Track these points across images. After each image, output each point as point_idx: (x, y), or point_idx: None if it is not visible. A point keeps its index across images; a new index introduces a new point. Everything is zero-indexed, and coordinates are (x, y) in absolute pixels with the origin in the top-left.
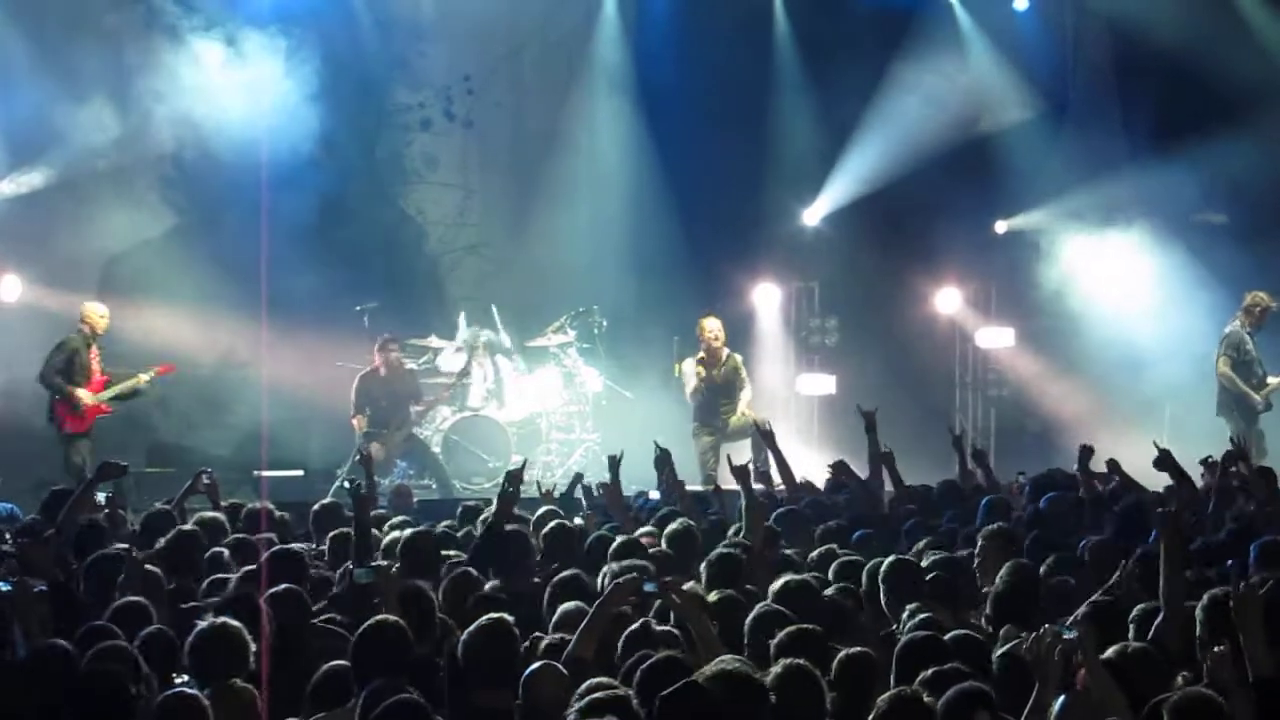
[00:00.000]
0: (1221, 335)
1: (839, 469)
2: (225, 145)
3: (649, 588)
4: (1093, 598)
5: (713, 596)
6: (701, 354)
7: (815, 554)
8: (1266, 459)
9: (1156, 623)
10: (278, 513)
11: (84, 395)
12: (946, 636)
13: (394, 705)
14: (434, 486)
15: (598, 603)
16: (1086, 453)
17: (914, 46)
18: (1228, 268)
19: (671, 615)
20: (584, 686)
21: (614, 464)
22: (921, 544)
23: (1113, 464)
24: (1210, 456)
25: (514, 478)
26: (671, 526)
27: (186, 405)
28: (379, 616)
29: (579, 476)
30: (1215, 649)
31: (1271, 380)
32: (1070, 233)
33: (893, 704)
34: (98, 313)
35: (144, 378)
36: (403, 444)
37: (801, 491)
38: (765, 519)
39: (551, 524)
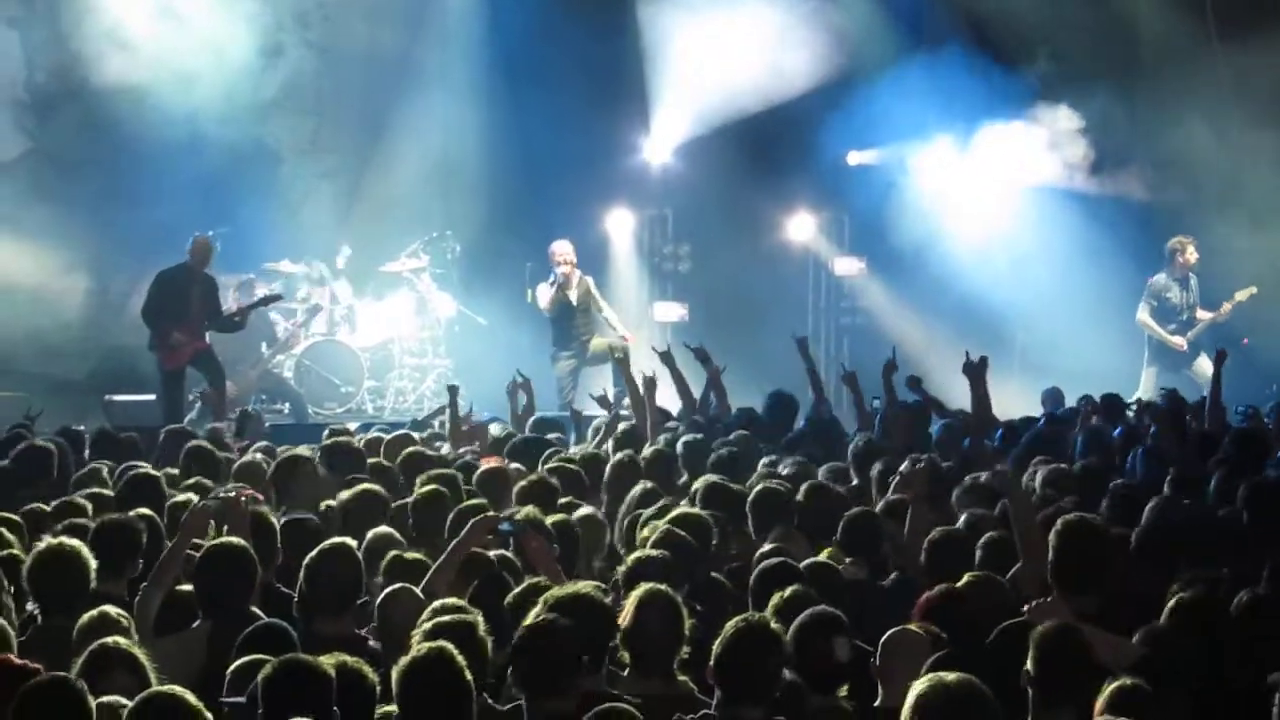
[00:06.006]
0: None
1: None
2: (79, 72)
3: (505, 528)
4: None
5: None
6: (553, 278)
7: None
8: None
9: (1015, 569)
10: (124, 434)
11: None
12: (802, 565)
13: (261, 629)
14: (286, 411)
15: (455, 542)
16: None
17: None
18: (1081, 198)
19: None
20: (429, 610)
21: (452, 395)
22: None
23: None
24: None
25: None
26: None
27: (39, 331)
28: (223, 539)
29: (454, 389)
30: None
31: (1204, 314)
32: (921, 163)
33: (739, 629)
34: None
35: None
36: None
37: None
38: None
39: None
